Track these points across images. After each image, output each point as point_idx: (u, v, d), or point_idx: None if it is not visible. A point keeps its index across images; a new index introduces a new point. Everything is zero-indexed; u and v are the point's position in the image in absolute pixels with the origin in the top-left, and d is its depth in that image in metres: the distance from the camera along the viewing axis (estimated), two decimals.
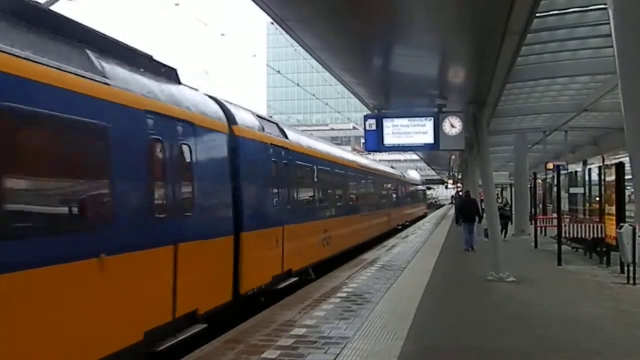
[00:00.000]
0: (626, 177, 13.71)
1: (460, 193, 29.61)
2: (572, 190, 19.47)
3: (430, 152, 35.43)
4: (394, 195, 31.81)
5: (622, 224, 12.34)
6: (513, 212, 25.70)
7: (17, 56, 4.92)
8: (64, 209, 5.61)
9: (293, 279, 11.93)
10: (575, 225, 16.09)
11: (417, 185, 48.22)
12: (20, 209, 4.95)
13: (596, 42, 12.19)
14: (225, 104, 9.82)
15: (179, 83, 8.40)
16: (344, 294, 10.68)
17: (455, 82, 12.46)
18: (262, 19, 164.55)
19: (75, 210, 5.68)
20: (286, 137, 12.55)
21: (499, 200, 25.16)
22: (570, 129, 23.29)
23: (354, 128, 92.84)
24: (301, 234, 12.93)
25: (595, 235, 15.08)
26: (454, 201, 55.65)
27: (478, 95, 12.84)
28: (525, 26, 8.31)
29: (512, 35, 8.51)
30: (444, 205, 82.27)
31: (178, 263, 7.20)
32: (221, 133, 9.07)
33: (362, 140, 13.52)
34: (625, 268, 12.26)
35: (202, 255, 7.95)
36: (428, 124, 12.65)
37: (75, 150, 5.72)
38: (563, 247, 15.58)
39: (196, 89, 9.15)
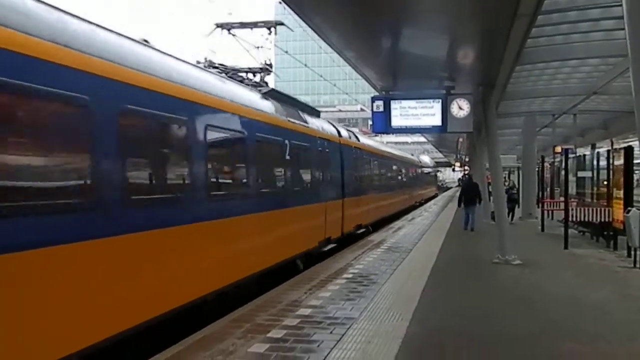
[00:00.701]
0: (635, 161, 13.61)
1: (468, 175, 31.69)
2: (580, 174, 19.38)
3: (437, 135, 35.42)
4: (415, 179, 38.38)
5: (629, 208, 12.29)
6: (520, 195, 25.64)
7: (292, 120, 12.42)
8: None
9: (363, 229, 18.75)
10: (582, 209, 16.04)
11: (431, 169, 54.16)
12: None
13: (608, 24, 12.05)
14: (336, 125, 17.40)
15: (319, 117, 15.86)
16: (350, 275, 10.72)
17: (464, 64, 12.35)
18: None
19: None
20: (358, 139, 19.79)
21: (507, 184, 25.12)
22: (579, 112, 23.12)
23: (362, 110, 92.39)
24: (367, 202, 19.82)
25: (603, 219, 15.03)
26: (460, 184, 55.65)
27: (487, 77, 12.73)
28: (536, 8, 8.22)
29: (522, 17, 8.42)
30: (451, 187, 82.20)
31: (327, 212, 14.40)
32: (337, 143, 16.21)
33: (370, 122, 13.53)
34: (632, 252, 12.23)
35: (333, 209, 15.00)
36: (436, 106, 12.58)
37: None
38: (570, 230, 15.55)
39: (321, 119, 16.18)
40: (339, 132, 16.78)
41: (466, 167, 52.59)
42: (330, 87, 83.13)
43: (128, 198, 6.14)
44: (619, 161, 13.96)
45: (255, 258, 9.77)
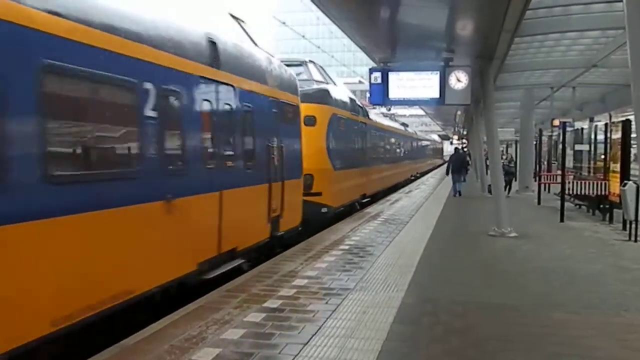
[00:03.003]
0: (632, 135, 13.60)
1: (455, 148, 34.83)
2: (578, 147, 19.40)
3: (435, 107, 35.33)
4: (430, 151, 58.49)
5: (626, 181, 12.31)
6: (517, 168, 25.66)
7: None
8: None
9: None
10: (579, 182, 16.08)
11: (438, 144, 73.25)
12: None
13: None
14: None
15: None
16: (346, 247, 10.77)
17: (462, 35, 12.23)
18: None
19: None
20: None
21: (504, 157, 25.12)
22: (578, 85, 22.99)
23: (360, 82, 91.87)
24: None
25: (599, 193, 15.08)
26: None
27: (486, 49, 12.62)
28: None
29: None
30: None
31: None
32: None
33: (368, 95, 13.32)
34: (628, 225, 12.29)
35: None
36: (434, 78, 12.48)
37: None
38: (566, 204, 15.61)
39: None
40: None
41: (464, 140, 52.50)
42: (329, 59, 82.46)
43: None
44: (617, 135, 13.94)
45: None
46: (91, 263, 5.54)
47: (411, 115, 72.61)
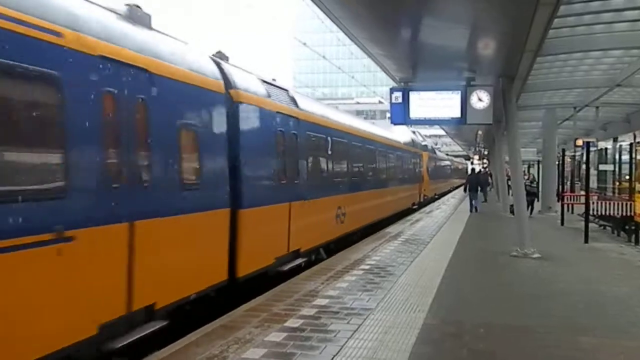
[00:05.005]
0: None
1: (472, 169, 43.30)
2: (602, 167, 19.16)
3: (456, 127, 35.18)
4: (458, 172, 63.78)
5: None
6: (540, 189, 25.38)
7: None
8: None
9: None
10: (603, 203, 15.84)
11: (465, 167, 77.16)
12: None
13: (632, 15, 11.84)
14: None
15: None
16: (367, 267, 10.69)
17: (484, 55, 12.21)
18: None
19: None
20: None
21: (526, 177, 24.88)
22: (601, 105, 22.74)
23: (380, 102, 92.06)
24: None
25: (624, 213, 14.83)
26: None
27: (508, 68, 12.58)
28: None
29: (544, 6, 8.29)
30: None
31: None
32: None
33: (388, 115, 13.19)
34: None
35: None
36: (455, 97, 12.45)
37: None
38: (590, 225, 15.36)
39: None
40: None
41: (484, 160, 52.12)
42: (349, 80, 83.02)
43: None
44: None
45: None
46: None
47: (432, 136, 72.58)
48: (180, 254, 6.89)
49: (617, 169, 17.69)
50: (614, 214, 15.32)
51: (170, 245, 6.69)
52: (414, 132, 31.31)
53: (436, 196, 37.53)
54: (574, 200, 22.94)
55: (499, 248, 13.45)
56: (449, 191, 49.51)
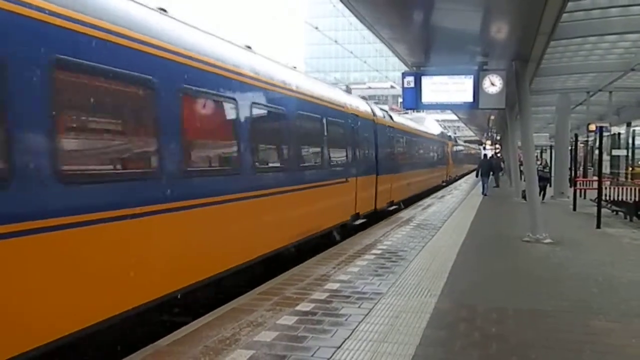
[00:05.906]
0: None
1: (484, 155, 44.13)
2: (615, 152, 19.00)
3: (468, 112, 35.05)
4: (472, 157, 65.19)
5: None
6: (552, 174, 25.24)
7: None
8: None
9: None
10: (616, 188, 15.74)
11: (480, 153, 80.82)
12: None
13: None
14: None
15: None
16: (379, 251, 10.72)
17: (497, 38, 12.07)
18: None
19: None
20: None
21: (538, 162, 24.75)
22: (615, 90, 22.51)
23: (392, 87, 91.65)
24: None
25: (637, 199, 14.73)
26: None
27: (521, 51, 12.45)
28: None
29: None
30: None
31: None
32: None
33: (400, 100, 13.28)
34: None
35: None
36: (467, 82, 12.34)
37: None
38: (603, 210, 15.26)
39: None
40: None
41: (497, 146, 51.85)
42: (361, 64, 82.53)
43: None
44: None
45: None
46: None
47: (444, 120, 72.19)
48: (366, 193, 15.16)
49: (630, 154, 17.52)
50: (626, 199, 15.21)
51: (364, 189, 14.95)
52: (440, 125, 41.44)
53: (457, 177, 44.45)
54: (586, 185, 22.82)
55: (511, 233, 13.42)
56: (466, 174, 54.61)
